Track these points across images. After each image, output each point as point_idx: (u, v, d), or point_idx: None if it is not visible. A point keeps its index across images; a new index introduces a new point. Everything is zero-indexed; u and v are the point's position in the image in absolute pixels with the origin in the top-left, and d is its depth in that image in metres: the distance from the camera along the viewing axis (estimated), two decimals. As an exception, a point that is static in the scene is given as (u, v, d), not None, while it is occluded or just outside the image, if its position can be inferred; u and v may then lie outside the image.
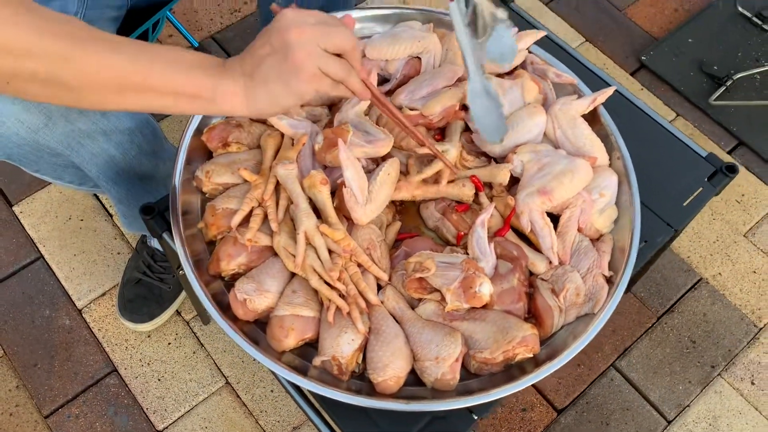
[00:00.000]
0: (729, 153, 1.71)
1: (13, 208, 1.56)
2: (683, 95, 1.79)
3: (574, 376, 1.41)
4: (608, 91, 1.05)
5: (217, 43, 1.82)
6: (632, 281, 1.48)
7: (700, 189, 1.07)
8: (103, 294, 1.47)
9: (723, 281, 1.54)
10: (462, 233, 0.95)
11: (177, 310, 1.44)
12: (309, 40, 0.73)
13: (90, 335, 1.42)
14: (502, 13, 0.94)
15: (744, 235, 1.60)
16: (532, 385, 1.38)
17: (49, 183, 1.53)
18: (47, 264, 1.50)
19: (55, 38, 0.67)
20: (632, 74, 1.83)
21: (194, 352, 1.41)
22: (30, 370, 1.38)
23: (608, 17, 1.92)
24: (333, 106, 1.07)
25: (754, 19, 1.91)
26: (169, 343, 1.41)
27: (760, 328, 1.48)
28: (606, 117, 1.05)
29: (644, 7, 1.95)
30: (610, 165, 1.02)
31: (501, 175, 0.97)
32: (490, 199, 0.99)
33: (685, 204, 1.05)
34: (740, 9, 1.92)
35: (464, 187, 0.98)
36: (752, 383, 1.42)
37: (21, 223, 1.55)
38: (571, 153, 1.00)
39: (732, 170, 1.08)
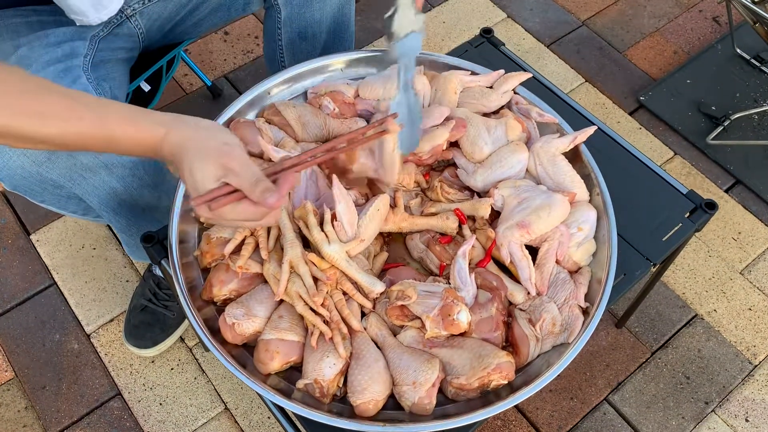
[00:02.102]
0: (726, 192, 1.74)
1: (31, 237, 1.64)
2: (681, 134, 1.83)
3: (567, 409, 1.42)
4: (589, 131, 1.10)
5: (229, 82, 1.91)
6: (626, 316, 1.51)
7: (680, 225, 1.10)
8: (111, 320, 1.52)
9: (718, 318, 1.55)
10: (444, 264, 0.99)
11: (180, 337, 1.49)
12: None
13: (97, 359, 1.48)
14: (415, 23, 0.96)
15: (740, 273, 1.61)
16: (526, 419, 1.40)
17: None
18: (60, 290, 1.57)
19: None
20: (631, 114, 1.87)
21: (195, 378, 1.45)
22: (39, 392, 1.44)
23: (608, 59, 1.98)
24: (326, 142, 1.13)
25: (753, 61, 1.95)
26: (172, 369, 1.46)
27: (755, 365, 1.49)
28: (587, 155, 1.09)
29: (644, 50, 2.00)
30: (591, 201, 1.06)
31: (482, 209, 1.01)
32: (473, 231, 1.03)
33: (664, 239, 1.08)
34: (738, 51, 1.96)
35: (448, 219, 1.02)
36: (746, 420, 1.42)
37: (37, 251, 1.62)
38: (551, 188, 1.05)
39: (711, 207, 1.11)
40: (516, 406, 1.40)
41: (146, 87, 1.43)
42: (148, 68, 1.40)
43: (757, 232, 1.67)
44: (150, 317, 1.45)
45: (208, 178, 0.77)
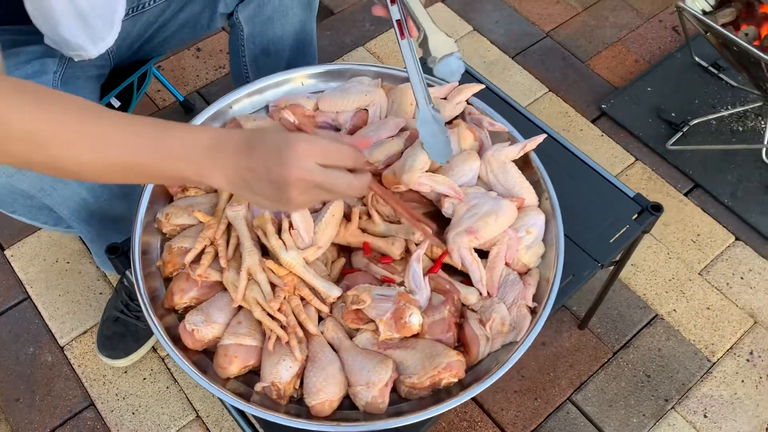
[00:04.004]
0: (686, 195, 1.79)
1: (5, 252, 1.66)
2: (642, 141, 1.89)
3: (532, 409, 1.46)
4: (538, 139, 1.14)
5: (201, 96, 1.94)
6: (588, 318, 1.55)
7: (627, 227, 1.14)
8: (85, 332, 1.55)
9: (678, 317, 1.60)
10: (387, 278, 1.03)
11: (153, 347, 1.52)
12: (307, 183, 0.73)
13: (70, 371, 1.50)
14: (451, 46, 1.04)
15: (699, 273, 1.66)
16: (491, 419, 1.43)
17: (39, 228, 1.64)
18: (34, 304, 1.59)
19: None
20: (593, 121, 1.93)
21: (167, 387, 1.48)
22: (12, 405, 1.46)
23: (571, 69, 2.04)
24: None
25: (710, 68, 2.02)
26: (144, 378, 1.49)
27: (713, 363, 1.53)
28: (537, 162, 1.14)
29: (606, 59, 2.06)
30: (540, 205, 1.11)
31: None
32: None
33: (611, 240, 1.13)
34: (697, 59, 2.03)
35: (393, 245, 1.04)
36: (705, 416, 1.46)
37: (11, 266, 1.64)
38: (502, 194, 1.09)
39: (657, 209, 1.16)
40: (481, 407, 1.44)
41: (116, 103, 1.46)
42: (119, 84, 1.44)
43: (715, 234, 1.73)
44: (122, 328, 1.48)
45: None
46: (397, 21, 1.02)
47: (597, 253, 1.12)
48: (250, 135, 0.75)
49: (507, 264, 1.04)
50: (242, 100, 1.21)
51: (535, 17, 2.15)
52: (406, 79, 1.24)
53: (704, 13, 1.68)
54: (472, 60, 2.04)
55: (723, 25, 1.66)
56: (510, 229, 1.04)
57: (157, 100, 1.93)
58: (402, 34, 1.01)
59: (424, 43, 1.03)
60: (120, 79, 1.44)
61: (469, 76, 1.34)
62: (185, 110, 1.89)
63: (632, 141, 1.89)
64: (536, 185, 1.12)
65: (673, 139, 1.87)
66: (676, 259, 1.68)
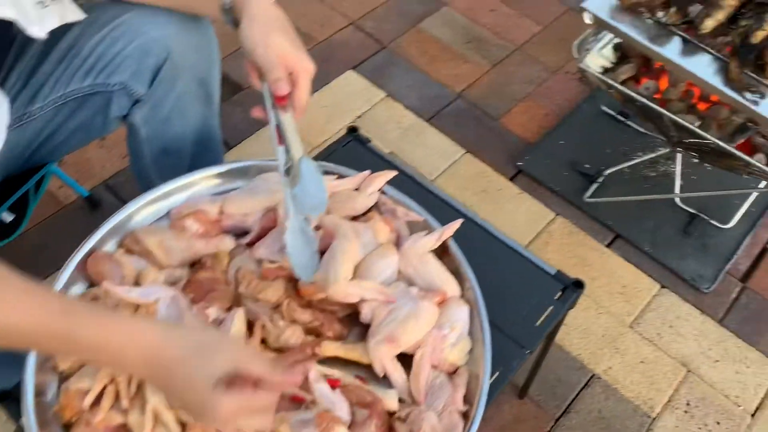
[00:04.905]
0: (608, 246, 1.81)
1: None
2: (560, 195, 1.91)
3: (480, 492, 1.41)
4: (455, 225, 1.12)
5: (109, 189, 1.85)
6: (527, 386, 1.52)
7: (551, 307, 1.13)
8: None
9: (614, 375, 1.59)
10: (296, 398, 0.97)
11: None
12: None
13: None
14: (312, 166, 1.01)
15: (629, 326, 1.67)
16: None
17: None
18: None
19: None
20: (511, 179, 1.94)
21: None
22: None
23: (485, 128, 2.05)
24: (195, 264, 1.10)
25: (618, 116, 2.07)
26: None
27: (653, 419, 1.53)
28: (455, 249, 1.11)
29: (517, 115, 2.09)
30: (462, 295, 1.08)
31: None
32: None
33: (537, 324, 1.11)
34: (604, 108, 2.08)
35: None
36: (651, 476, 1.45)
37: None
38: (423, 288, 1.06)
39: (579, 286, 1.15)
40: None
41: (9, 217, 1.36)
42: (11, 194, 1.34)
43: (640, 284, 1.74)
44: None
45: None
46: (276, 126, 0.99)
47: (524, 340, 1.09)
48: (176, 370, 0.76)
49: (434, 366, 1.00)
50: (142, 211, 1.14)
51: (446, 78, 2.17)
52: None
53: (605, 70, 1.73)
54: (388, 126, 2.03)
55: (624, 81, 1.71)
56: (433, 328, 1.00)
57: (59, 196, 1.82)
58: (280, 140, 0.98)
59: (288, 170, 0.99)
60: (13, 188, 1.34)
61: (382, 161, 1.31)
62: (91, 206, 1.78)
63: (551, 196, 1.90)
64: (456, 274, 1.09)
65: (590, 191, 1.90)
66: (606, 314, 1.68)
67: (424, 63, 2.20)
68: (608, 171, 1.93)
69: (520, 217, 1.85)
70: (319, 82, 2.11)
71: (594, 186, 1.90)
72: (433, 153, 1.98)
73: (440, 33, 2.28)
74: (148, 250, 1.07)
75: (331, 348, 0.99)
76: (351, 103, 2.08)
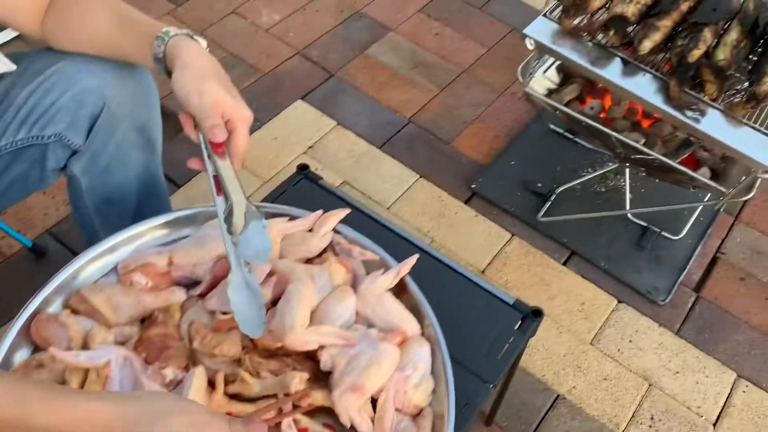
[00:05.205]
0: (564, 264, 1.83)
1: None
2: (514, 215, 1.92)
3: None
4: (411, 261, 1.11)
5: (54, 237, 1.78)
6: (492, 413, 1.52)
7: (512, 338, 1.12)
8: None
9: (579, 394, 1.60)
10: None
11: None
12: None
13: None
14: (253, 212, 0.98)
15: (590, 344, 1.68)
16: None
17: None
18: None
19: None
20: (466, 202, 1.94)
21: None
22: None
23: (437, 152, 2.06)
24: (145, 320, 1.06)
25: (566, 134, 2.10)
26: None
27: (620, 436, 1.54)
28: (412, 285, 1.10)
29: (468, 138, 2.10)
30: (423, 333, 1.06)
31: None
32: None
33: (499, 357, 1.10)
34: (552, 127, 2.11)
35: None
36: (621, 495, 1.46)
37: None
38: (382, 329, 1.04)
39: (538, 314, 1.15)
40: None
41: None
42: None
43: (598, 300, 1.76)
44: None
45: None
46: (214, 176, 0.97)
47: (487, 374, 1.08)
48: None
49: (397, 409, 0.98)
50: (88, 266, 1.10)
51: (396, 104, 2.17)
52: (267, 215, 1.17)
53: (550, 92, 1.75)
54: (340, 155, 2.01)
55: (569, 102, 1.74)
56: (396, 370, 0.98)
57: (2, 247, 1.75)
58: (218, 189, 0.96)
59: (228, 219, 0.96)
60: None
61: (335, 199, 1.30)
62: (36, 255, 1.72)
63: (506, 217, 1.91)
64: (415, 311, 1.07)
65: (543, 210, 1.92)
66: (566, 332, 1.69)
67: (372, 90, 2.20)
68: (560, 189, 1.95)
69: (476, 239, 1.85)
70: (268, 114, 2.10)
71: (547, 205, 1.92)
72: (387, 180, 1.97)
73: (387, 59, 2.29)
74: (94, 308, 1.03)
75: (319, 398, 0.96)
76: (301, 134, 2.06)
